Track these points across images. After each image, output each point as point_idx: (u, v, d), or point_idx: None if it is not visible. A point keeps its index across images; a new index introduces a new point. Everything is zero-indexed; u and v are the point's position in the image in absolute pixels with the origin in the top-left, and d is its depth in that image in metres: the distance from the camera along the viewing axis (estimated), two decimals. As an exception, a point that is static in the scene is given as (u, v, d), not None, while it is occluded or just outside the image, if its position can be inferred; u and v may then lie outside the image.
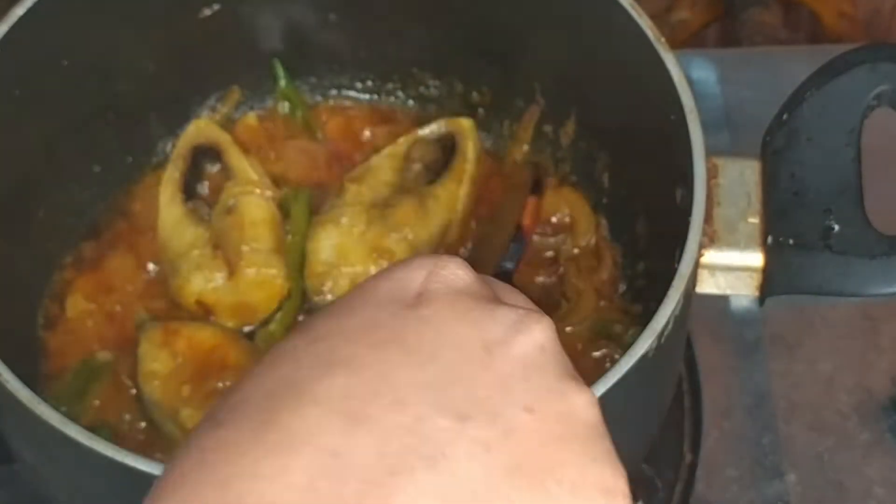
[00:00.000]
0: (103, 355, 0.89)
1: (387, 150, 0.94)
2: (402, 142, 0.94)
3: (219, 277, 0.89)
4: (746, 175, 0.82)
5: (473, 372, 0.46)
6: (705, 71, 1.15)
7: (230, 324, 0.89)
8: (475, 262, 0.86)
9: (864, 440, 0.98)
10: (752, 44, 1.29)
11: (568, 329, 0.91)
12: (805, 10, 1.39)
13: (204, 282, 0.89)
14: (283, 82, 0.97)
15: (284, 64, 0.97)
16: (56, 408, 0.71)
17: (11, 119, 0.84)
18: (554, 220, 0.94)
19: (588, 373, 0.87)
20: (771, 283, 0.80)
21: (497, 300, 0.50)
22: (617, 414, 0.75)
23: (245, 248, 0.89)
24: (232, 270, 0.89)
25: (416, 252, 0.89)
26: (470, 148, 0.93)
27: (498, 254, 0.88)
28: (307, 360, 0.46)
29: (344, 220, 0.89)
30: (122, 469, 0.68)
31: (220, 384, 0.84)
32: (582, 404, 0.48)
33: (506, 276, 0.86)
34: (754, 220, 0.81)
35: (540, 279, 0.93)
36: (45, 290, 0.91)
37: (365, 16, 0.95)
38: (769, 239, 0.80)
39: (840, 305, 1.03)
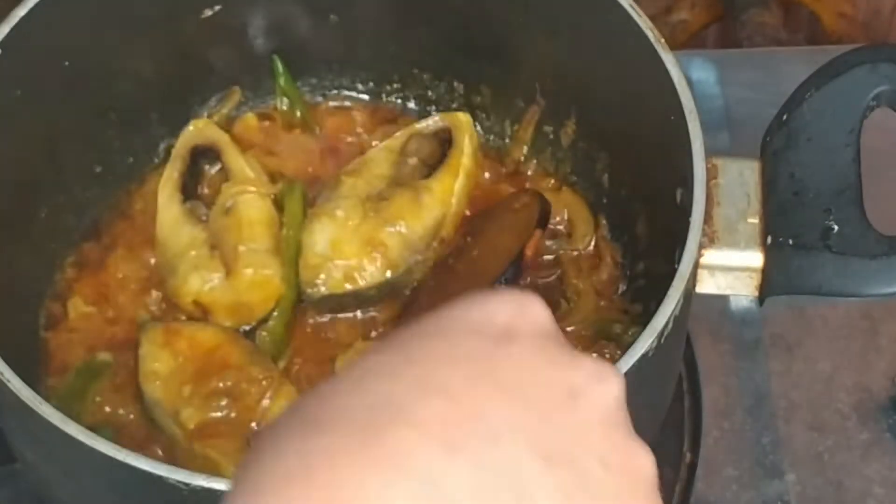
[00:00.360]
0: (104, 355, 0.89)
1: (383, 144, 0.94)
2: (399, 135, 0.94)
3: (216, 278, 0.89)
4: (746, 175, 0.82)
5: (559, 416, 0.47)
6: (705, 71, 1.15)
7: (227, 323, 0.89)
8: (471, 282, 0.86)
9: (864, 440, 0.98)
10: (752, 44, 1.29)
11: (568, 329, 0.91)
12: (805, 10, 1.39)
13: (201, 282, 0.89)
14: (282, 79, 0.97)
15: (285, 63, 0.97)
16: (57, 407, 0.71)
17: (13, 119, 0.84)
18: (552, 223, 0.94)
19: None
20: (770, 283, 0.80)
21: (569, 345, 0.51)
22: (617, 413, 0.75)
23: (242, 249, 0.89)
24: (229, 271, 0.89)
25: (409, 245, 0.89)
26: (466, 142, 0.93)
27: (493, 278, 0.88)
28: (405, 381, 0.47)
29: (339, 212, 0.89)
30: (123, 468, 0.68)
31: (221, 384, 0.84)
32: (647, 465, 0.49)
33: None
34: (754, 220, 0.81)
35: (540, 279, 0.93)
36: (46, 290, 0.91)
37: (366, 16, 0.95)
38: (769, 239, 0.80)
39: (840, 305, 1.03)
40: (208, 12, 0.92)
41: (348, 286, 0.88)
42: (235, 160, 0.93)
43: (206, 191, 0.94)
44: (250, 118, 0.98)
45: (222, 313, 0.89)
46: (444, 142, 0.94)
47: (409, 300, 0.90)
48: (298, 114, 0.98)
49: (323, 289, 0.89)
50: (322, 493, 0.44)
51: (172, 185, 0.92)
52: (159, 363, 0.86)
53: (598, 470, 0.47)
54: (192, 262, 0.89)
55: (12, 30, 0.82)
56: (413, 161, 0.93)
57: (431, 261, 0.90)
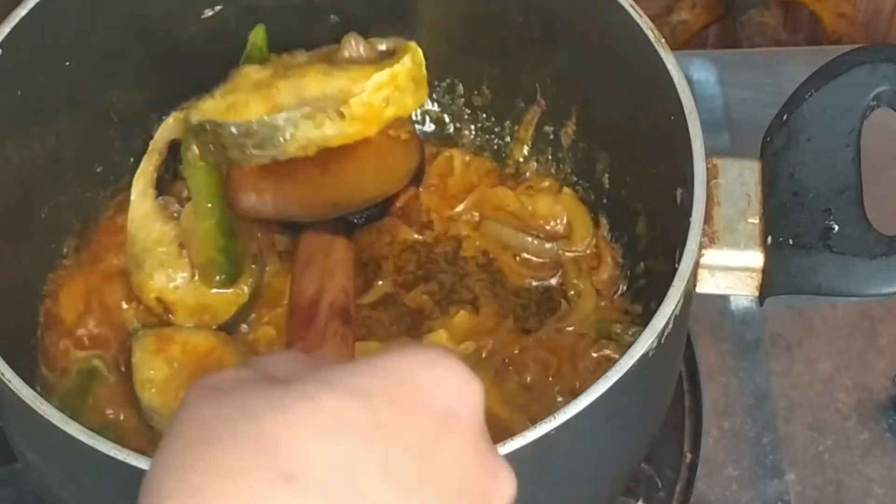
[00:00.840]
0: (97, 361, 0.89)
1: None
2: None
3: (180, 277, 0.88)
4: (746, 175, 0.82)
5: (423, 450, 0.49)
6: (705, 72, 1.15)
7: (188, 324, 0.88)
8: (332, 186, 0.84)
9: (864, 440, 0.98)
10: (752, 45, 1.29)
11: (568, 329, 0.91)
12: (805, 11, 1.39)
13: (166, 280, 0.88)
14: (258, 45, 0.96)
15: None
16: (58, 407, 0.71)
17: (14, 119, 0.85)
18: (551, 226, 0.94)
19: (588, 373, 0.88)
20: (771, 283, 0.80)
21: (488, 439, 0.53)
22: (617, 413, 0.75)
23: None
24: (195, 271, 0.88)
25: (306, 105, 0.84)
26: (408, 56, 0.87)
27: (358, 202, 0.87)
28: (368, 453, 0.47)
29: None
30: (124, 468, 0.68)
31: None
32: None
33: (349, 226, 0.86)
34: (754, 220, 0.81)
35: (540, 279, 0.93)
36: (46, 290, 0.91)
37: (366, 17, 0.95)
38: (769, 239, 0.80)
39: (840, 305, 1.03)
40: (209, 12, 0.92)
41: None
42: None
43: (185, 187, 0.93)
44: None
45: (184, 313, 0.89)
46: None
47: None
48: None
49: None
50: None
51: (146, 178, 0.92)
52: (154, 370, 0.86)
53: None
54: (159, 258, 0.89)
55: (12, 30, 0.82)
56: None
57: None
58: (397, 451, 0.48)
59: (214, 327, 0.89)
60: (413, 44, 0.86)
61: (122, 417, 0.87)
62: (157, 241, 0.89)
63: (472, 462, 0.50)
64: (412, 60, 0.85)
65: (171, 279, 0.89)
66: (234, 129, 0.81)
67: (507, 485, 0.52)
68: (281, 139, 0.81)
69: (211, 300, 0.88)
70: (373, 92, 0.82)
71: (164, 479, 0.47)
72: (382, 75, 0.82)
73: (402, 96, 0.83)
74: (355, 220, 0.86)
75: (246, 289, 0.89)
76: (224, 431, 0.48)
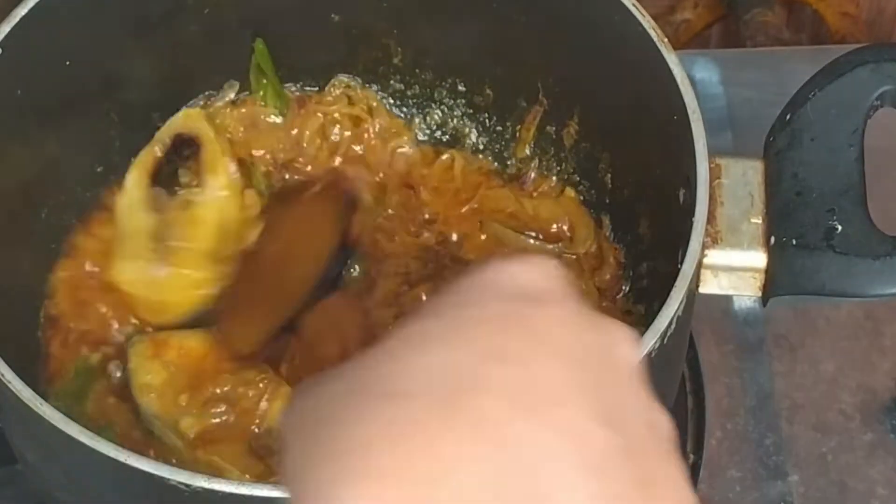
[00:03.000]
0: (100, 354, 0.89)
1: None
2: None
3: (147, 269, 0.88)
4: (749, 175, 0.82)
5: (605, 376, 0.48)
6: (708, 71, 1.15)
7: (148, 319, 0.88)
8: (294, 264, 0.85)
9: (867, 441, 0.98)
10: (756, 44, 1.29)
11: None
12: (808, 10, 1.39)
13: (133, 271, 0.88)
14: (262, 62, 0.96)
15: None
16: (58, 408, 0.71)
17: (14, 119, 0.84)
18: (553, 228, 0.94)
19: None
20: (774, 283, 0.80)
21: (593, 309, 0.52)
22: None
23: (182, 245, 0.87)
24: (163, 266, 0.88)
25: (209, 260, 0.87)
26: (206, 134, 0.89)
27: (323, 263, 0.87)
28: (462, 348, 0.47)
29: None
30: (124, 469, 0.68)
31: (217, 390, 0.84)
32: (669, 424, 0.51)
33: (334, 282, 0.86)
34: (757, 220, 0.81)
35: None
36: (45, 290, 0.91)
37: (367, 17, 0.95)
38: (772, 239, 0.80)
39: (843, 306, 1.03)
40: (208, 11, 0.92)
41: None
42: (213, 158, 0.91)
43: (182, 181, 0.93)
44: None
45: (142, 307, 0.88)
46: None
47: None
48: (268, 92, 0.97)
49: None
50: (417, 462, 0.44)
51: (144, 167, 0.91)
52: (151, 375, 0.85)
53: (644, 431, 0.49)
54: (133, 247, 0.88)
55: (13, 29, 0.82)
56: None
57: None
58: (491, 335, 0.47)
59: (165, 324, 0.88)
60: (188, 113, 0.89)
61: (122, 418, 0.87)
62: (136, 231, 0.88)
63: (576, 321, 0.49)
64: (211, 133, 0.89)
65: (137, 270, 0.88)
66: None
67: (624, 335, 0.51)
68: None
69: (169, 297, 0.87)
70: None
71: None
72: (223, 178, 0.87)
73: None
74: (329, 277, 0.86)
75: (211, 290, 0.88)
76: (330, 402, 0.47)
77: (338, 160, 0.97)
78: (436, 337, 0.48)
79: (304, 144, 0.97)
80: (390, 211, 0.96)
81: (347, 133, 0.98)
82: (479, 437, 0.45)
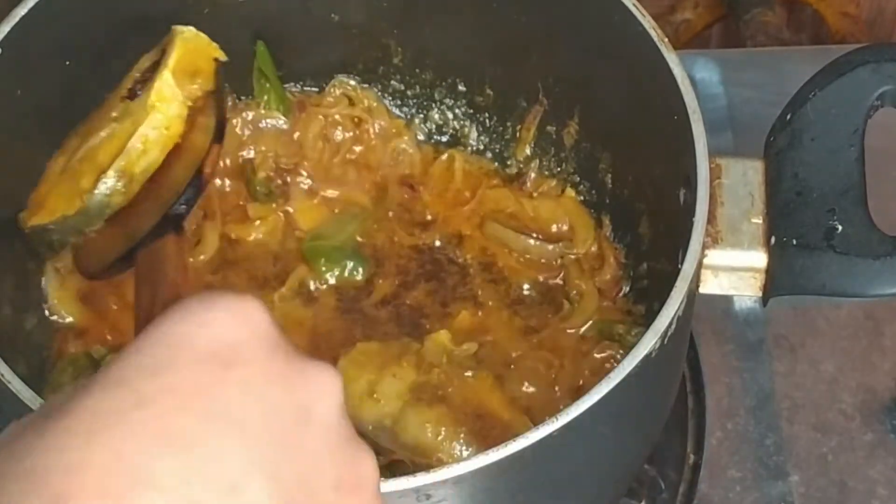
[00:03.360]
0: (99, 348, 0.89)
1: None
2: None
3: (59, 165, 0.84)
4: (750, 175, 0.82)
5: (293, 442, 0.47)
6: (708, 71, 1.15)
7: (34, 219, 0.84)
8: (148, 200, 0.83)
9: (868, 440, 0.98)
10: (756, 44, 1.29)
11: (571, 330, 0.90)
12: (808, 10, 1.39)
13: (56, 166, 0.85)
14: (265, 66, 0.96)
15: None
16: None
17: (13, 119, 0.84)
18: (553, 228, 0.94)
19: (591, 373, 0.88)
20: (774, 283, 0.80)
21: (293, 350, 0.50)
22: (620, 414, 0.75)
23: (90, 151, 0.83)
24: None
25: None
26: (175, 50, 0.84)
27: (173, 195, 0.84)
28: (139, 430, 0.45)
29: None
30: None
31: None
32: (370, 468, 0.50)
33: (177, 219, 0.84)
34: (757, 220, 0.81)
35: (542, 280, 0.93)
36: (46, 291, 0.91)
37: (368, 17, 0.95)
38: (772, 239, 0.80)
39: (843, 306, 1.03)
40: (208, 11, 0.92)
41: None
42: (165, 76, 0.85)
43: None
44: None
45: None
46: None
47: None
48: (271, 95, 0.97)
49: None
50: None
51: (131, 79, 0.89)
52: None
53: (331, 497, 0.47)
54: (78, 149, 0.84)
55: (12, 29, 0.82)
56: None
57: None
58: (167, 416, 0.45)
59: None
60: (180, 30, 0.84)
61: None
62: (87, 133, 0.85)
63: (267, 384, 0.47)
64: (183, 50, 0.83)
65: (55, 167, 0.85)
66: (54, 227, 0.81)
67: (325, 386, 0.49)
68: (107, 209, 0.80)
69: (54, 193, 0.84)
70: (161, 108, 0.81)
71: None
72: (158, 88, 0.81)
73: (191, 80, 0.82)
74: (177, 213, 0.82)
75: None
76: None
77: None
78: (109, 418, 0.45)
79: (307, 148, 0.97)
80: (390, 213, 0.96)
81: (349, 134, 0.98)
82: None
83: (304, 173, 0.97)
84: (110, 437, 0.44)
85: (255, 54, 0.96)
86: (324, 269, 0.93)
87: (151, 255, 0.77)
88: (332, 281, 0.93)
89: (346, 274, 0.93)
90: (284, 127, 0.98)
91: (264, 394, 0.47)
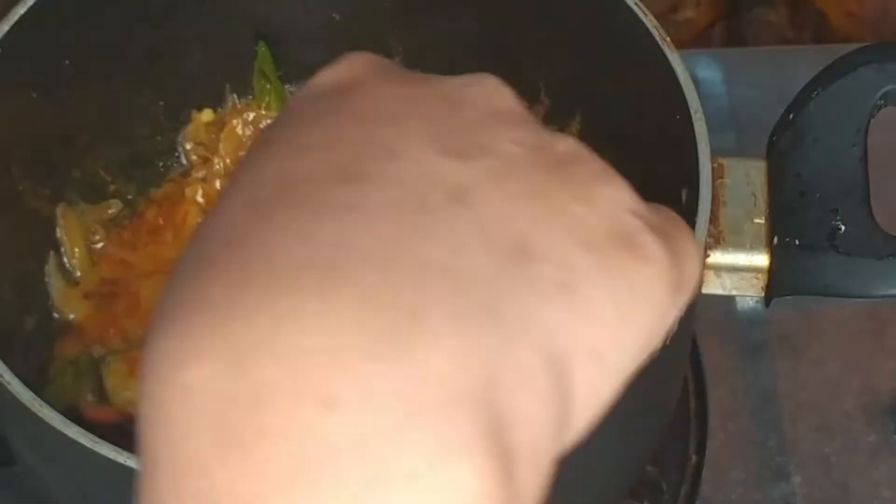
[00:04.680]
0: (99, 350, 0.89)
1: None
2: None
3: None
4: (752, 175, 0.82)
5: (444, 119, 0.42)
6: (711, 70, 1.15)
7: None
8: None
9: (871, 442, 0.98)
10: (758, 43, 1.29)
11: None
12: (812, 9, 1.39)
13: None
14: (266, 66, 0.96)
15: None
16: (58, 409, 0.71)
17: (12, 119, 0.84)
18: None
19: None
20: (777, 283, 0.79)
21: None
22: (622, 416, 0.75)
23: None
24: None
25: None
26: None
27: None
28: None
29: None
30: (123, 470, 0.68)
31: None
32: (561, 139, 0.43)
33: None
34: (760, 220, 0.80)
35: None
36: (47, 291, 0.91)
37: (368, 15, 0.95)
38: (775, 239, 0.80)
39: (846, 307, 1.02)
40: (208, 10, 0.92)
41: None
42: None
43: None
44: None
45: None
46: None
47: None
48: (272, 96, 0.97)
49: None
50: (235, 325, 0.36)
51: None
52: (130, 391, 0.85)
53: (516, 150, 0.41)
54: None
55: (12, 28, 0.82)
56: None
57: None
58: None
59: None
60: None
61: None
62: None
63: (405, 85, 0.44)
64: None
65: None
66: None
67: (480, 80, 0.44)
68: None
69: None
70: None
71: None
72: None
73: None
74: None
75: None
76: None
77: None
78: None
79: None
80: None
81: None
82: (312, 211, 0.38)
83: None
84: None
85: (257, 55, 0.95)
86: None
87: None
88: None
89: None
90: None
91: (400, 92, 0.43)
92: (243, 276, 0.37)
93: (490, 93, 0.44)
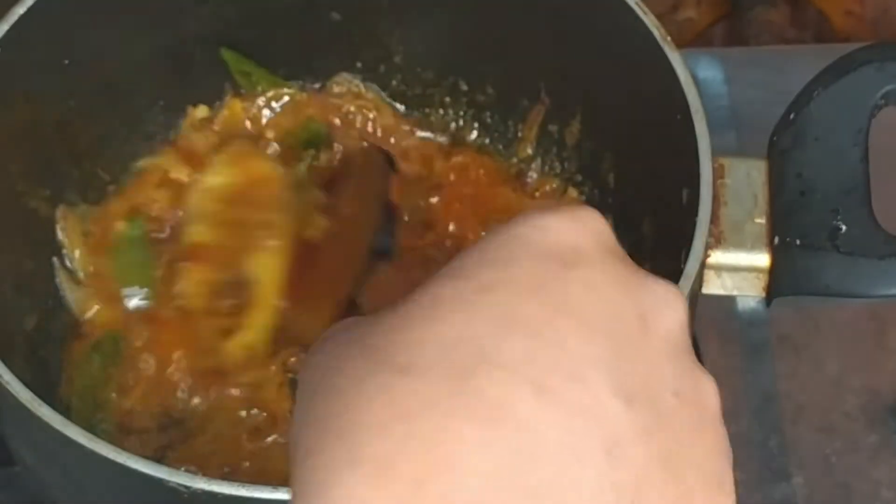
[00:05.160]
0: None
1: None
2: None
3: None
4: (753, 175, 0.81)
5: (633, 347, 0.45)
6: (711, 70, 1.15)
7: None
8: (349, 242, 0.84)
9: (872, 442, 0.98)
10: (759, 43, 1.29)
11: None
12: (812, 8, 1.39)
13: None
14: (236, 69, 0.96)
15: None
16: (59, 411, 0.71)
17: (11, 119, 0.84)
18: None
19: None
20: (778, 283, 0.79)
21: (631, 262, 0.49)
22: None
23: None
24: None
25: None
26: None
27: (372, 233, 0.86)
28: (482, 314, 0.44)
29: None
30: (123, 471, 0.68)
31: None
32: (711, 392, 0.47)
33: (384, 254, 0.85)
34: (761, 220, 0.80)
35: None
36: (47, 290, 0.91)
37: (369, 15, 0.95)
38: (776, 239, 0.79)
39: (847, 306, 1.02)
40: (208, 9, 0.92)
41: None
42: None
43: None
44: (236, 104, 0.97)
45: None
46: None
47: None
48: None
49: None
50: (420, 445, 0.41)
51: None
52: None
53: (672, 403, 0.45)
54: None
55: (11, 28, 0.82)
56: None
57: None
58: (510, 302, 0.44)
59: None
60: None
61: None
62: None
63: (608, 285, 0.46)
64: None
65: None
66: None
67: (667, 299, 0.47)
68: None
69: None
70: None
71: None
72: None
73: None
74: (380, 249, 0.86)
75: None
76: (336, 362, 0.44)
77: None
78: (452, 302, 0.44)
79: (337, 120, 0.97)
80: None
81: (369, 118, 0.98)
82: (488, 419, 0.42)
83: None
84: (452, 318, 0.44)
85: (226, 62, 0.95)
86: None
87: (378, 293, 0.79)
88: None
89: None
90: (293, 96, 0.97)
91: (605, 295, 0.45)
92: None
93: (674, 319, 0.47)
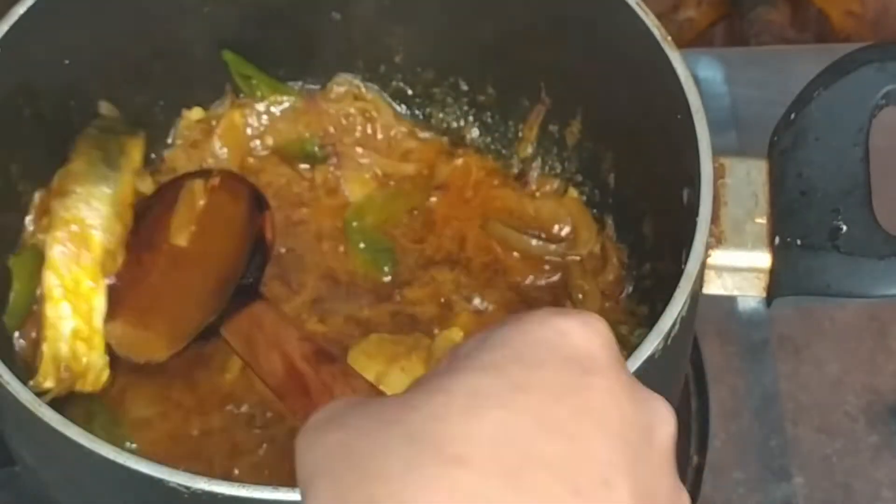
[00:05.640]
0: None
1: None
2: None
3: None
4: (753, 175, 0.81)
5: (643, 455, 0.49)
6: (712, 70, 1.15)
7: None
8: (212, 278, 0.84)
9: (872, 442, 0.98)
10: (760, 43, 1.29)
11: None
12: (813, 8, 1.39)
13: None
14: (238, 72, 0.96)
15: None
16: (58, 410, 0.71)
17: (11, 119, 0.84)
18: (555, 228, 0.94)
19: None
20: (778, 283, 0.79)
21: (633, 376, 0.52)
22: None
23: None
24: None
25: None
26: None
27: (239, 270, 0.85)
28: (521, 414, 0.47)
29: None
30: (123, 471, 0.68)
31: None
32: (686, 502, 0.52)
33: (247, 289, 0.83)
34: (761, 220, 0.80)
35: (544, 280, 0.93)
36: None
37: (369, 15, 0.94)
38: (776, 239, 0.79)
39: (848, 307, 1.02)
40: (208, 9, 0.92)
41: None
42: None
43: None
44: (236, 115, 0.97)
45: None
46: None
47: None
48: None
49: None
50: None
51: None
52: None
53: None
54: None
55: (11, 28, 0.82)
56: None
57: None
58: (545, 404, 0.47)
59: None
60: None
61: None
62: None
63: (622, 396, 0.49)
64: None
65: None
66: None
67: (664, 414, 0.51)
68: None
69: None
70: None
71: None
72: None
73: None
74: (246, 284, 0.84)
75: None
76: (370, 444, 0.47)
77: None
78: (489, 398, 0.47)
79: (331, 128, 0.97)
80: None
81: (359, 128, 0.98)
82: None
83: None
84: (493, 414, 0.47)
85: (227, 65, 0.95)
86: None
87: (246, 325, 0.79)
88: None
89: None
90: (293, 105, 0.97)
91: (621, 404, 0.49)
92: None
93: (670, 434, 0.51)
